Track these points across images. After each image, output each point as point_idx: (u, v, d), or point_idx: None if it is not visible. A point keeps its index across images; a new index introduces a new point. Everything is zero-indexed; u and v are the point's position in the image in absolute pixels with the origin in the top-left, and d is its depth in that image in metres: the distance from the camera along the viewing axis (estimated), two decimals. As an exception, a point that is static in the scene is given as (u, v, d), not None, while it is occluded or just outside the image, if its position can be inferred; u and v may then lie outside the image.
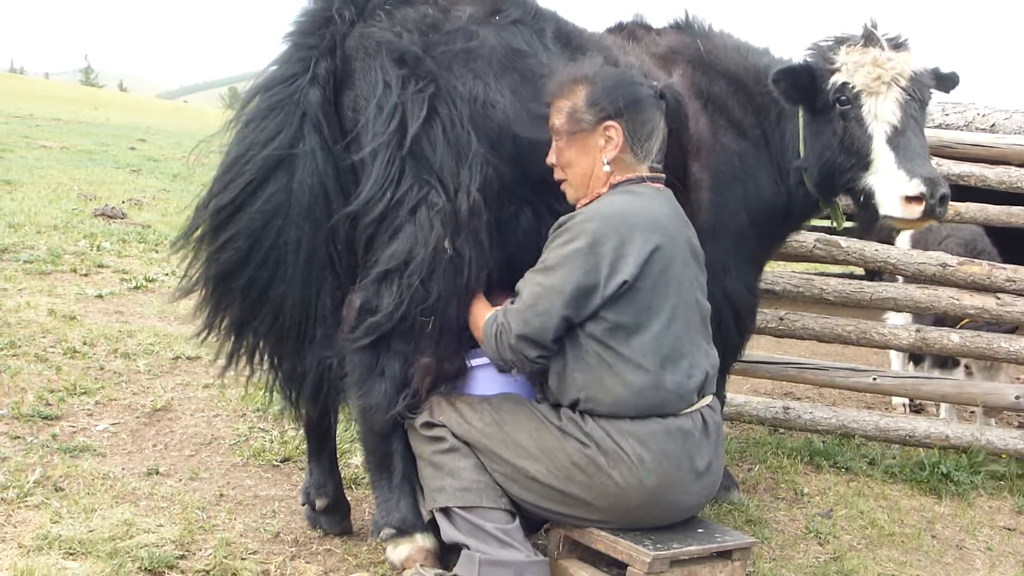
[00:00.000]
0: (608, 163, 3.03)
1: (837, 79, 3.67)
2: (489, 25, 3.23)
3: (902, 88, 3.60)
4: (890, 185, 3.55)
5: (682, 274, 2.98)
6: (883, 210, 3.62)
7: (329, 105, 3.12)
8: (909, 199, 3.47)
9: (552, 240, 2.98)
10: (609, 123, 3.02)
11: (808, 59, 3.82)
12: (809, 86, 3.74)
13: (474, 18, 3.21)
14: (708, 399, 3.06)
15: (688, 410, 2.97)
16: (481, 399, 3.14)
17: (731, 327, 4.00)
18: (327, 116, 3.10)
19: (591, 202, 3.05)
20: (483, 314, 3.09)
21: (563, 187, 3.14)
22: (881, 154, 3.59)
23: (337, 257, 3.17)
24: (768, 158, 4.02)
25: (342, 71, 3.13)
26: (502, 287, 3.19)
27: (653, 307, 2.90)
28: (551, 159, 3.12)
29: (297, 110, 3.06)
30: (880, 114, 3.61)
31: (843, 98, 3.68)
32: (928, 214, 3.46)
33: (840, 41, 3.74)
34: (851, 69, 3.65)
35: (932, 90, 3.76)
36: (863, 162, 3.65)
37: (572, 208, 3.11)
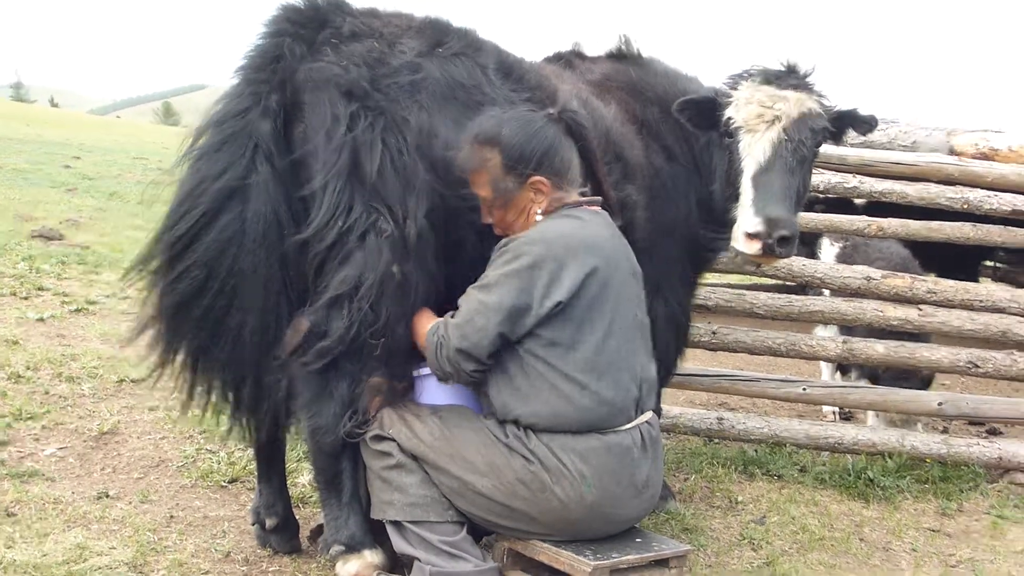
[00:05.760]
0: (541, 213, 3.14)
1: (727, 112, 3.80)
2: (433, 57, 3.32)
3: (782, 128, 3.68)
4: (740, 219, 3.69)
5: (620, 292, 3.09)
6: (732, 242, 3.77)
7: (280, 136, 3.19)
8: (749, 236, 3.60)
9: (495, 259, 3.08)
10: (533, 178, 3.12)
11: (717, 89, 3.94)
12: (711, 115, 3.87)
13: (418, 51, 3.31)
14: (647, 415, 3.17)
15: (627, 426, 3.08)
16: (431, 411, 3.20)
17: (667, 345, 4.12)
18: (278, 147, 3.18)
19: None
20: (426, 324, 3.18)
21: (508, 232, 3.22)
22: (745, 189, 3.71)
23: (290, 283, 3.23)
24: (699, 180, 4.15)
25: (292, 104, 3.20)
26: (449, 307, 3.29)
27: (588, 325, 3.00)
28: (487, 221, 3.22)
29: (249, 142, 3.13)
30: (753, 151, 3.71)
31: (729, 131, 3.81)
32: (767, 252, 3.57)
33: (745, 75, 3.86)
34: (739, 105, 3.77)
35: (822, 132, 3.80)
36: (735, 194, 3.79)
37: None
